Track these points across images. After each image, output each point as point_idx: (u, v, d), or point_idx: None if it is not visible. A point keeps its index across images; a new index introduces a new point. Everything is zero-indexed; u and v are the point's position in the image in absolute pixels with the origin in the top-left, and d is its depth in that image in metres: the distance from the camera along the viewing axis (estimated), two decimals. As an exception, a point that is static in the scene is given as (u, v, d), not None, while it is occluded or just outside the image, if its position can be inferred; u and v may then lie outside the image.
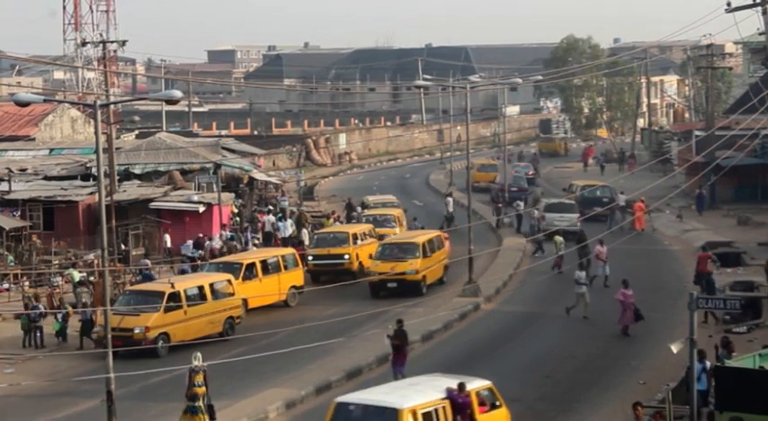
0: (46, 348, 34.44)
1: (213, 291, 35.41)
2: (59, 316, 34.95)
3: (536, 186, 72.02)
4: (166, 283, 35.27)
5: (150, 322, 33.07)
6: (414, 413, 21.03)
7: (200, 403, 25.04)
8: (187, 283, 35.61)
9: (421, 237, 43.44)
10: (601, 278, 41.16)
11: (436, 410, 21.47)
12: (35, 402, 28.96)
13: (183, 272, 42.11)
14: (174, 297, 34.01)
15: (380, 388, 23.16)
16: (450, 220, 56.86)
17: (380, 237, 47.60)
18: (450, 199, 61.21)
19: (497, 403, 23.01)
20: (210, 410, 25.24)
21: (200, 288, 35.24)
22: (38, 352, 34.09)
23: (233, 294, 36.27)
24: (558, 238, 45.35)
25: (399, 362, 28.60)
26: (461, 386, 22.12)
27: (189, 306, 34.16)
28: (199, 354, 25.75)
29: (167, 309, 33.58)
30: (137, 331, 32.72)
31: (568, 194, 58.71)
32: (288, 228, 52.53)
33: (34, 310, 35.24)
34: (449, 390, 21.95)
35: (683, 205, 59.25)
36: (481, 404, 22.47)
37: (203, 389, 25.19)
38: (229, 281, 36.67)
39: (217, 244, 48.35)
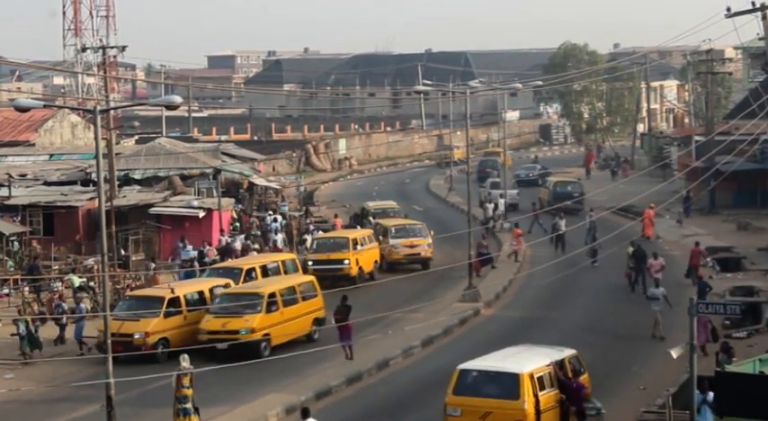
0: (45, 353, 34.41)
1: (213, 296, 35.37)
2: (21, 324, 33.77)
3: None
4: (166, 289, 35.26)
5: (150, 327, 33.06)
6: (531, 377, 23.29)
7: (190, 405, 25.24)
8: (187, 289, 35.60)
9: (274, 285, 35.48)
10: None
11: (549, 374, 23.84)
12: (35, 407, 28.95)
13: (189, 275, 42.12)
14: (174, 302, 33.98)
15: (494, 355, 25.11)
16: (485, 223, 56.25)
17: (412, 255, 47.44)
18: (489, 205, 60.32)
19: (582, 370, 25.31)
20: (196, 412, 25.45)
21: (201, 293, 35.23)
22: (39, 357, 34.05)
23: None
24: (630, 249, 42.63)
25: (345, 334, 31.76)
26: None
27: (189, 311, 34.13)
28: (186, 356, 25.91)
29: (167, 315, 33.56)
30: (136, 336, 32.74)
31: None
32: (279, 242, 52.08)
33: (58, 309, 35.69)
34: (564, 379, 24.01)
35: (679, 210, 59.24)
36: (573, 372, 24.66)
37: (191, 390, 25.39)
38: (228, 286, 36.65)
39: (237, 245, 48.94)
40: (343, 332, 31.83)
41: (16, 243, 47.66)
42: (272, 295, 33.73)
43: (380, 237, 48.35)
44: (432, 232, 48.94)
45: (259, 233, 54.13)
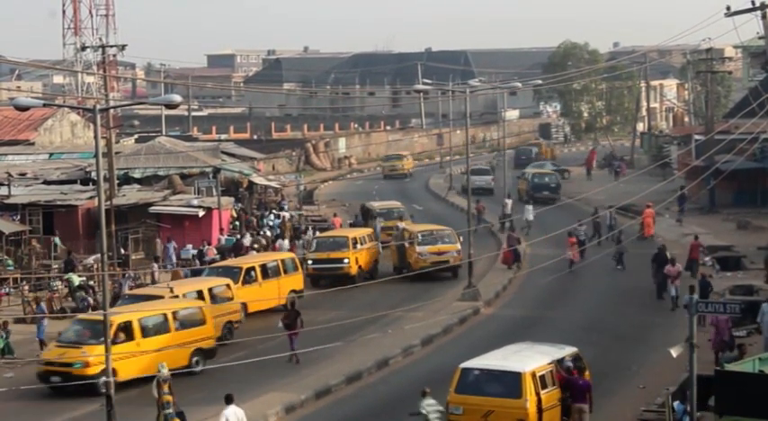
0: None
1: (212, 296, 35.40)
2: (3, 333, 33.73)
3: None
4: (165, 288, 35.23)
5: None
6: (533, 375, 23.43)
7: (172, 410, 25.54)
8: (186, 288, 35.58)
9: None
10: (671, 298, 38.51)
11: (550, 373, 23.97)
12: (35, 406, 28.95)
13: (196, 273, 42.13)
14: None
15: (495, 354, 25.20)
16: (503, 221, 55.90)
17: (440, 263, 44.70)
18: (508, 201, 59.72)
19: (583, 367, 25.38)
20: (182, 417, 25.69)
21: (200, 292, 35.21)
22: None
23: (232, 299, 36.24)
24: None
25: (293, 339, 32.42)
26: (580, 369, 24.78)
27: None
28: (164, 363, 26.35)
29: None
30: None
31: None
32: (284, 245, 51.71)
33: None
34: (569, 376, 24.12)
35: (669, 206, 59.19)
36: (574, 369, 24.73)
37: (171, 397, 25.72)
38: (228, 285, 36.66)
39: (246, 241, 49.19)
40: (291, 335, 32.36)
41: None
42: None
43: (406, 245, 46.22)
44: (461, 238, 46.43)
45: (266, 231, 54.16)
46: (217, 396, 28.22)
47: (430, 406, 23.86)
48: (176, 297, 34.07)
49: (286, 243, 50.57)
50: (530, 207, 57.05)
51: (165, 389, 25.68)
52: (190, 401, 27.60)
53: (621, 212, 56.65)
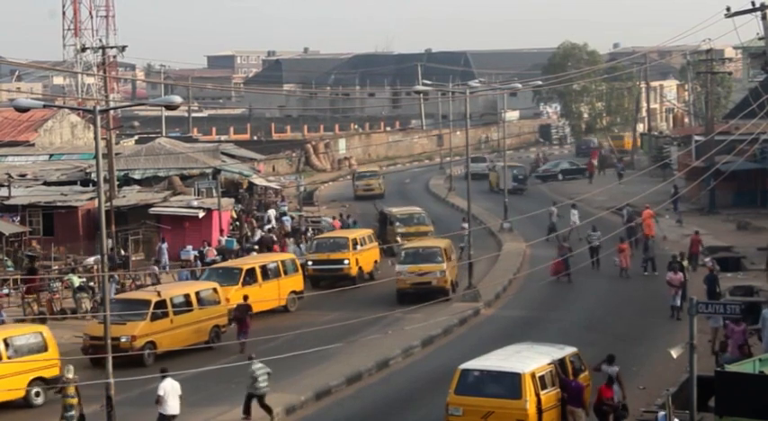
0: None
1: (199, 300, 35.16)
2: None
3: None
4: (152, 292, 34.96)
5: (137, 331, 32.90)
6: (533, 376, 23.47)
7: (74, 412, 25.95)
8: (173, 291, 35.26)
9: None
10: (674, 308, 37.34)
11: (550, 373, 24.01)
12: (35, 407, 28.94)
13: (195, 275, 42.16)
14: (161, 305, 33.70)
15: (495, 355, 25.18)
16: (551, 230, 51.98)
17: (421, 284, 40.32)
18: (554, 208, 55.18)
19: (582, 368, 25.49)
20: (82, 420, 26.22)
21: (187, 296, 34.97)
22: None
23: (219, 303, 35.98)
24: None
25: (242, 331, 34.44)
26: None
27: (175, 314, 33.94)
28: (71, 367, 26.60)
29: (154, 318, 33.37)
30: (123, 340, 32.25)
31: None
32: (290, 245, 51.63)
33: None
34: (563, 378, 24.17)
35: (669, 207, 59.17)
36: (573, 371, 24.88)
37: (76, 400, 26.05)
38: (215, 289, 36.37)
39: (256, 237, 49.82)
40: (241, 329, 34.60)
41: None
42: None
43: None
44: (454, 256, 43.37)
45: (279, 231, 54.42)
46: (218, 396, 28.26)
47: (258, 368, 26.38)
48: (163, 301, 33.73)
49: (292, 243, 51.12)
50: (575, 211, 53.97)
51: (70, 392, 26.07)
52: (190, 402, 27.58)
53: (620, 213, 56.57)
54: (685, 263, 40.60)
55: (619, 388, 25.11)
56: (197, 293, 35.43)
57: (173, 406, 25.48)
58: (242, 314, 34.79)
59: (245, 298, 35.91)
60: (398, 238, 50.19)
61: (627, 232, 48.45)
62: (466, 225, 47.42)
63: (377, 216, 56.79)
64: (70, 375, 26.35)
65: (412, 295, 39.84)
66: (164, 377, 25.66)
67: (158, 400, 25.43)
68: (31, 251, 46.14)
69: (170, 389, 25.46)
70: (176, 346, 33.09)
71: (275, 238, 50.49)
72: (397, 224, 52.83)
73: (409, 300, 39.28)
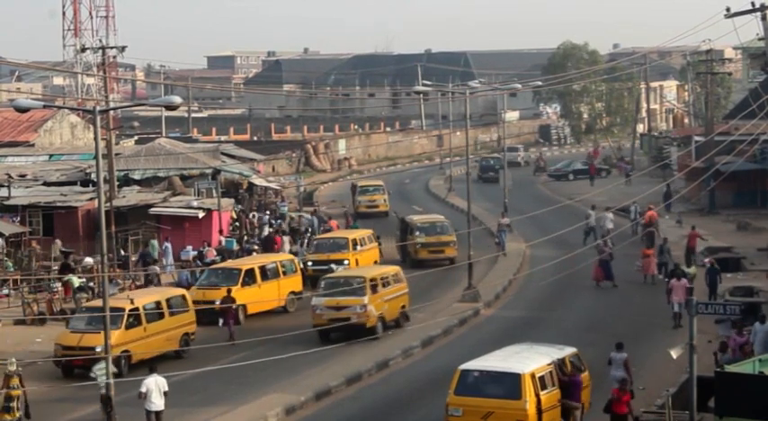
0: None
1: (170, 307, 34.24)
2: None
3: None
4: (126, 300, 33.86)
5: (112, 340, 31.99)
6: (533, 376, 23.53)
7: (15, 403, 26.39)
8: (145, 299, 34.22)
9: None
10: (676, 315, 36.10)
11: (550, 373, 24.10)
12: (35, 407, 28.89)
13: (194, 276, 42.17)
14: (135, 313, 32.81)
15: (495, 355, 25.26)
16: (588, 234, 50.95)
17: (340, 320, 34.70)
18: (591, 212, 53.10)
19: (582, 368, 25.60)
20: (26, 410, 26.67)
21: (158, 303, 34.04)
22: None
23: (188, 310, 35.09)
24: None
25: (228, 322, 36.24)
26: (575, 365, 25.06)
27: (148, 322, 33.10)
28: (14, 359, 27.08)
29: (128, 326, 32.48)
30: (98, 350, 30.03)
31: None
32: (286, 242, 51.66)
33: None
34: (561, 379, 24.24)
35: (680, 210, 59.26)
36: (573, 371, 24.95)
37: (18, 391, 26.41)
38: (184, 296, 35.64)
39: (265, 232, 50.84)
40: (227, 319, 36.45)
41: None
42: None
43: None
44: (399, 285, 37.35)
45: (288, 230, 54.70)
46: (218, 396, 28.27)
47: (99, 369, 25.95)
48: (136, 309, 32.81)
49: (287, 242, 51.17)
50: (609, 215, 52.31)
51: (14, 383, 26.41)
52: (190, 403, 27.64)
53: (621, 213, 56.63)
54: (691, 269, 40.31)
55: (627, 374, 26.06)
56: (167, 300, 34.54)
57: (156, 402, 25.69)
58: (226, 305, 36.82)
59: (229, 291, 37.47)
60: (417, 247, 48.78)
61: (637, 230, 48.58)
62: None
63: (398, 224, 53.67)
64: (12, 368, 26.65)
65: (335, 331, 34.61)
66: (150, 373, 26.09)
67: (140, 396, 25.65)
68: (65, 248, 47.01)
69: (154, 386, 25.70)
70: (149, 355, 32.04)
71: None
72: (418, 233, 49.51)
73: (335, 337, 34.36)
